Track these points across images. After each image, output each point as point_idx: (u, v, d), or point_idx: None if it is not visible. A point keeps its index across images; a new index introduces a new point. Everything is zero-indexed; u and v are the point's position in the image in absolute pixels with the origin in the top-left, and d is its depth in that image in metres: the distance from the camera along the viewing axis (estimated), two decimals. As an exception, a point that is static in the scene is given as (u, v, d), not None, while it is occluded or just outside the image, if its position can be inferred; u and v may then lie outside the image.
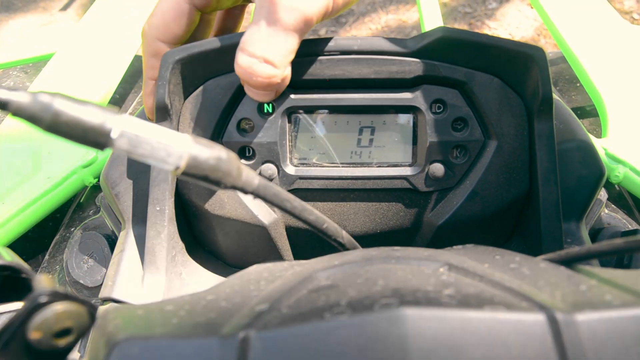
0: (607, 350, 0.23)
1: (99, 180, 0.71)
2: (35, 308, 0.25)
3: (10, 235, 0.66)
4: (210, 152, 0.29)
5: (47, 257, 0.69)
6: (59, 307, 0.25)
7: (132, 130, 0.27)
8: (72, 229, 0.70)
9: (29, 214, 0.67)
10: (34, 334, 0.25)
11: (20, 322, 0.25)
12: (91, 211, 0.72)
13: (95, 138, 0.26)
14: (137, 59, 0.92)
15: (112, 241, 0.58)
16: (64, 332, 0.26)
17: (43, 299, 0.25)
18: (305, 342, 0.23)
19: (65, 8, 3.02)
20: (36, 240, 0.76)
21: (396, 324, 0.23)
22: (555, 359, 0.23)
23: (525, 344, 0.23)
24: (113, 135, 0.26)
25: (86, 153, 0.71)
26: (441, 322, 0.24)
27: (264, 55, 0.41)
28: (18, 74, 0.95)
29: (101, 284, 0.56)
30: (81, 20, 0.92)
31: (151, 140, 0.27)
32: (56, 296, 0.25)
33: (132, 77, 0.96)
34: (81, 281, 0.56)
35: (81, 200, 0.75)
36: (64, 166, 0.70)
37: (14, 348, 0.25)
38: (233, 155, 0.30)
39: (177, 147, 0.28)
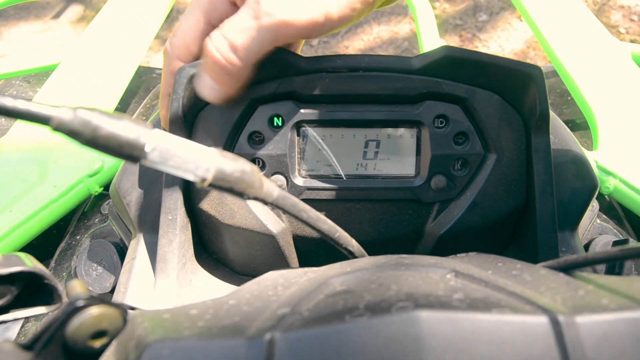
0: (606, 350, 0.25)
1: (105, 189, 0.73)
2: (73, 311, 0.27)
3: (17, 242, 0.67)
4: (236, 165, 0.31)
5: (52, 264, 0.70)
6: (95, 310, 0.27)
7: (164, 144, 0.29)
8: (78, 237, 0.72)
9: (35, 222, 0.68)
10: (71, 336, 0.27)
11: (59, 324, 0.26)
12: (96, 219, 0.73)
13: (130, 151, 0.28)
14: (141, 70, 0.94)
15: (120, 249, 0.59)
16: (99, 334, 0.27)
17: (80, 303, 0.27)
18: (328, 343, 0.25)
19: (57, 16, 3.03)
20: (40, 248, 0.77)
21: (412, 325, 0.25)
22: (558, 357, 0.25)
23: (530, 343, 0.25)
24: (147, 149, 0.28)
25: (92, 162, 0.72)
26: (453, 324, 0.25)
27: (234, 40, 0.42)
28: (21, 83, 0.97)
29: (110, 291, 0.57)
30: (85, 31, 0.93)
31: (181, 154, 0.29)
32: (92, 300, 0.27)
33: (136, 88, 0.98)
34: (90, 288, 0.57)
35: (85, 209, 0.76)
36: (70, 175, 0.71)
37: (53, 348, 0.27)
38: (256, 168, 0.32)
39: (205, 160, 0.30)
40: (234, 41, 0.42)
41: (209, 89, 0.45)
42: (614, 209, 0.71)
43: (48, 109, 0.26)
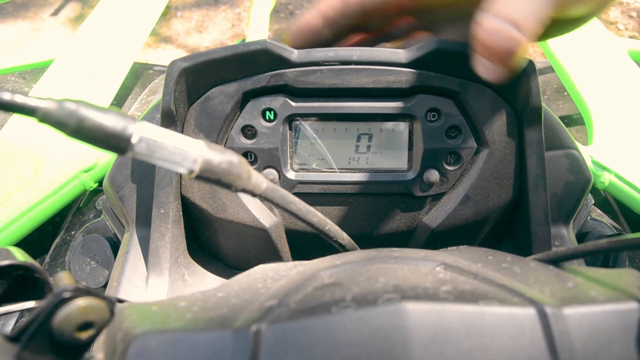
0: (593, 342, 0.25)
1: (99, 185, 0.73)
2: (60, 302, 0.27)
3: (11, 238, 0.67)
4: (223, 157, 0.30)
5: (47, 260, 0.70)
6: (82, 302, 0.27)
7: (150, 136, 0.28)
8: (73, 233, 0.72)
9: (30, 217, 0.68)
10: (58, 327, 0.27)
11: (46, 315, 0.26)
12: (91, 215, 0.73)
13: (116, 143, 0.28)
14: (137, 67, 0.94)
15: (114, 244, 0.59)
16: (86, 326, 0.27)
17: (67, 294, 0.27)
18: (314, 334, 0.25)
19: (56, 13, 3.02)
20: (36, 244, 0.77)
21: (398, 317, 0.25)
22: (545, 349, 0.25)
23: (517, 335, 0.25)
24: (133, 140, 0.28)
25: (87, 158, 0.72)
26: (440, 315, 0.25)
27: (515, 17, 0.39)
28: (16, 79, 0.97)
29: (103, 286, 0.57)
30: (80, 27, 0.93)
31: (168, 146, 0.29)
32: (79, 291, 0.27)
33: (132, 84, 0.98)
34: (83, 283, 0.57)
35: (80, 205, 0.77)
36: (64, 171, 0.71)
37: (40, 340, 0.27)
38: (243, 160, 0.32)
39: (192, 151, 0.30)
40: (517, 18, 0.38)
41: (495, 72, 0.42)
42: (609, 204, 0.71)
43: (34, 101, 0.26)
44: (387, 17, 0.49)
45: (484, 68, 0.42)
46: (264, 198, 0.34)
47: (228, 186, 0.31)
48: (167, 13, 2.90)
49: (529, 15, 0.39)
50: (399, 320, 0.25)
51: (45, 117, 0.27)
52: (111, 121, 0.27)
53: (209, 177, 0.30)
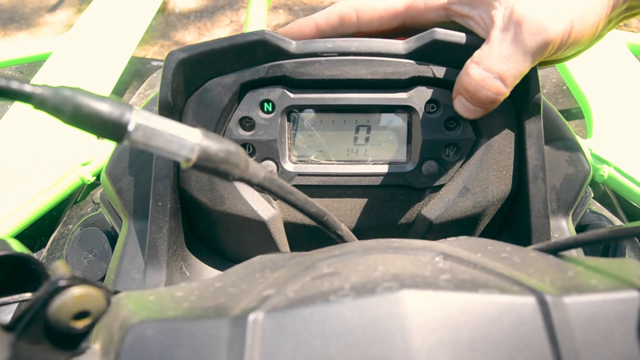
0: (593, 330, 0.25)
1: (97, 178, 0.72)
2: (55, 291, 0.26)
3: (9, 232, 0.67)
4: (220, 145, 0.30)
5: (45, 253, 0.70)
6: (77, 290, 0.27)
7: (147, 123, 0.28)
8: (70, 226, 0.71)
9: (27, 211, 0.68)
10: (53, 316, 0.26)
11: (41, 304, 0.26)
12: (89, 208, 0.73)
13: (113, 130, 0.27)
14: (135, 61, 0.93)
15: (111, 237, 0.59)
16: (82, 315, 0.27)
17: (63, 283, 0.26)
18: (312, 322, 0.25)
19: (54, 9, 3.01)
20: (33, 238, 0.77)
21: (397, 305, 0.25)
22: (545, 337, 0.24)
23: (517, 324, 0.25)
24: (130, 128, 0.28)
25: (85, 151, 0.72)
26: (439, 304, 0.25)
27: (500, 71, 0.43)
28: (13, 73, 0.96)
29: (101, 279, 0.57)
30: (78, 21, 0.93)
31: (165, 134, 0.29)
32: (75, 280, 0.27)
33: (129, 79, 0.98)
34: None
35: (78, 199, 0.76)
36: (62, 164, 0.71)
37: (35, 329, 0.26)
38: (241, 149, 0.32)
39: (189, 140, 0.29)
40: (500, 72, 0.43)
41: (473, 112, 0.47)
42: (608, 197, 0.71)
43: (29, 87, 0.26)
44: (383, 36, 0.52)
45: (464, 107, 0.47)
46: (261, 188, 0.34)
47: (225, 175, 0.31)
48: (165, 9, 2.89)
49: (512, 70, 0.44)
50: (398, 309, 0.25)
51: (41, 104, 0.26)
52: (108, 108, 0.27)
53: (205, 165, 0.30)
